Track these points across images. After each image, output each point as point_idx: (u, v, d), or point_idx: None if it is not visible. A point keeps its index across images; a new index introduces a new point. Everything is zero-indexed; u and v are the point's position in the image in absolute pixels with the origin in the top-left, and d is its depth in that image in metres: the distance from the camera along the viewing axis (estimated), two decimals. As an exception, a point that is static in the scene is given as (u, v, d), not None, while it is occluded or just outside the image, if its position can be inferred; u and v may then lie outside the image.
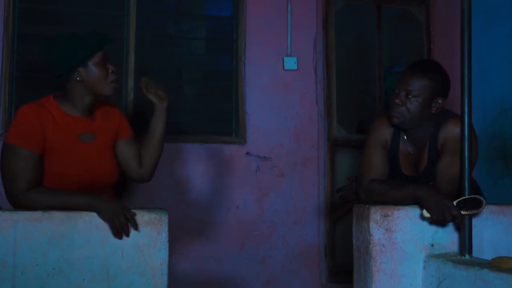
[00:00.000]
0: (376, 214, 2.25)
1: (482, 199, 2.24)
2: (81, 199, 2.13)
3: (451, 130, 2.37)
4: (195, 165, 3.79)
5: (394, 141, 2.48)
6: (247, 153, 3.91)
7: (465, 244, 2.24)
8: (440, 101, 2.39)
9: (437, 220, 2.22)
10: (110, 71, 2.32)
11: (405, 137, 2.48)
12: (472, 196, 2.24)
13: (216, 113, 3.98)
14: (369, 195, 2.37)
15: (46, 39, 2.37)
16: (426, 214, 2.23)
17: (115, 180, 2.43)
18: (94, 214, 2.06)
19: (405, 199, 2.29)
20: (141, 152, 2.50)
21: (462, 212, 2.21)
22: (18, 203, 2.16)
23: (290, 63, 4.00)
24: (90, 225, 2.05)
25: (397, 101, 2.37)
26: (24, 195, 2.13)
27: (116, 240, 2.06)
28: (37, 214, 2.01)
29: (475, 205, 2.23)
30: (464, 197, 2.23)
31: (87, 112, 2.36)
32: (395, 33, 4.41)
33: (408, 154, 2.48)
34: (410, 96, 2.36)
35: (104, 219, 2.10)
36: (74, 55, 2.26)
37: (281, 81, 4.01)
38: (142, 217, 2.10)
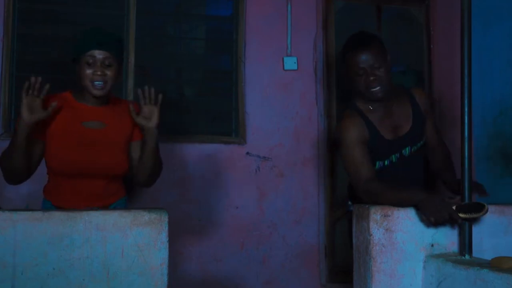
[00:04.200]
0: (376, 214, 2.25)
1: (484, 204, 2.21)
2: None
3: (422, 93, 2.70)
4: (195, 165, 3.79)
5: (367, 124, 2.54)
6: (247, 153, 3.91)
7: (465, 244, 2.24)
8: (389, 57, 2.55)
9: (436, 221, 2.20)
10: (98, 73, 2.36)
11: (371, 107, 2.56)
12: (475, 202, 2.24)
13: (216, 113, 3.98)
14: (369, 194, 2.38)
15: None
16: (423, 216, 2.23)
17: (123, 172, 2.48)
18: (94, 214, 2.06)
19: (403, 201, 2.28)
20: (138, 162, 2.54)
21: (462, 215, 2.20)
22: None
23: (290, 63, 4.00)
24: (90, 225, 2.05)
25: (372, 78, 2.48)
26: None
27: (116, 240, 2.06)
28: (37, 214, 2.01)
29: (477, 210, 2.22)
30: (467, 202, 2.23)
31: (98, 103, 2.44)
32: (395, 33, 4.40)
33: (382, 120, 2.56)
34: (376, 67, 2.48)
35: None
36: (74, 49, 2.40)
37: (281, 81, 4.00)
38: (142, 217, 2.10)
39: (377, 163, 2.57)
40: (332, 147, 4.03)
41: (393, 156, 2.57)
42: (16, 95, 3.51)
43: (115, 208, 2.46)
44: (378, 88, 2.49)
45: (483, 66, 3.76)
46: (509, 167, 3.62)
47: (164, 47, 3.96)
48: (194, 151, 3.79)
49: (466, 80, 2.25)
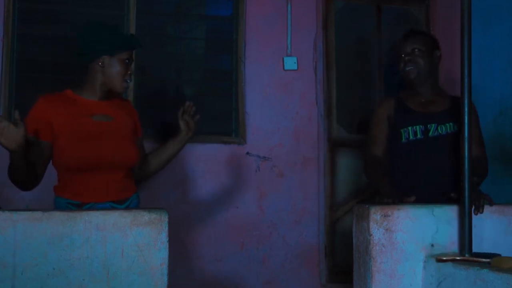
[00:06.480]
0: (376, 214, 2.25)
1: (499, 254, 2.19)
2: None
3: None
4: (195, 165, 3.79)
5: (397, 101, 2.79)
6: (247, 153, 3.91)
7: (465, 244, 2.24)
8: (438, 53, 2.81)
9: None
10: (129, 72, 2.49)
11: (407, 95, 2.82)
12: (491, 253, 2.23)
13: (216, 113, 3.98)
14: (371, 168, 2.73)
15: (86, 21, 2.55)
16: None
17: (135, 163, 2.54)
18: (94, 214, 2.06)
19: (378, 188, 2.63)
20: (148, 159, 2.68)
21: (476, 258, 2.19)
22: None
23: (290, 63, 4.00)
24: (90, 225, 2.05)
25: (407, 58, 2.75)
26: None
27: (116, 240, 2.06)
28: (37, 214, 2.01)
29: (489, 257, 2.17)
30: (485, 253, 2.23)
31: (104, 97, 2.50)
32: (395, 33, 4.40)
33: (415, 99, 2.78)
34: (416, 51, 2.75)
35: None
36: (108, 41, 2.42)
37: (281, 81, 4.00)
38: (142, 217, 2.10)
39: (403, 134, 2.73)
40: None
41: (417, 127, 2.71)
42: (16, 95, 3.51)
43: (127, 208, 2.50)
44: (411, 68, 2.74)
45: (483, 66, 3.76)
46: (509, 167, 3.62)
47: (164, 47, 3.96)
48: (194, 151, 3.79)
49: (466, 80, 2.25)
